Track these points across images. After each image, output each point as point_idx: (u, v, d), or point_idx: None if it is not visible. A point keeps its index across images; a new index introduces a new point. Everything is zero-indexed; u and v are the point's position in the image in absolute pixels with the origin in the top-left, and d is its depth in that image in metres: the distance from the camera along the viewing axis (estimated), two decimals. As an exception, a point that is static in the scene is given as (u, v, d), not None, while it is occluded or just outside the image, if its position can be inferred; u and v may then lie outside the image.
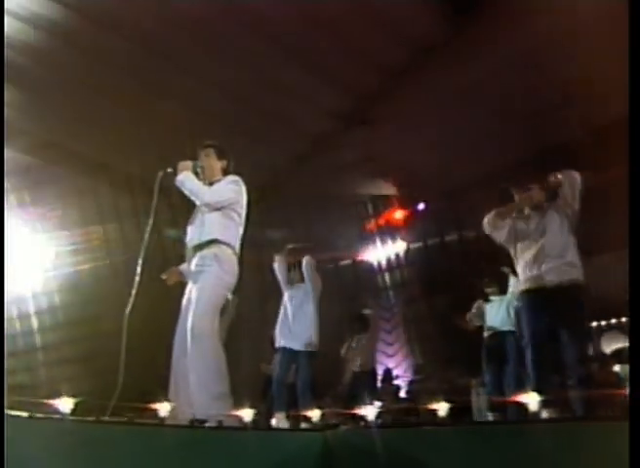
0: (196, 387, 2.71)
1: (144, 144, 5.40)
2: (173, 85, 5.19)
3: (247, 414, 2.10)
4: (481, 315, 4.72)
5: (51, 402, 1.97)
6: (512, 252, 3.12)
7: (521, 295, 3.05)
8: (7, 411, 1.97)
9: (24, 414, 2.09)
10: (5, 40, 4.65)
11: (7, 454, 1.72)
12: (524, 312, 2.97)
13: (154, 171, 3.01)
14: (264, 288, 5.66)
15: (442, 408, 1.84)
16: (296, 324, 4.40)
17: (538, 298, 2.91)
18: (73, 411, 2.03)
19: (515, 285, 3.17)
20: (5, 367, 3.23)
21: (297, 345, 4.36)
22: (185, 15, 4.59)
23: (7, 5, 4.38)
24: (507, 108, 5.51)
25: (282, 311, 4.48)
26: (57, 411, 1.97)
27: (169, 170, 2.96)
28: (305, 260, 4.48)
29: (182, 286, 3.04)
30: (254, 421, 2.13)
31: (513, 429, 2.07)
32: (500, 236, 3.16)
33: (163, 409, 2.09)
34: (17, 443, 1.82)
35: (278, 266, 4.55)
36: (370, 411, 2.03)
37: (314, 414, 2.18)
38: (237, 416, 2.39)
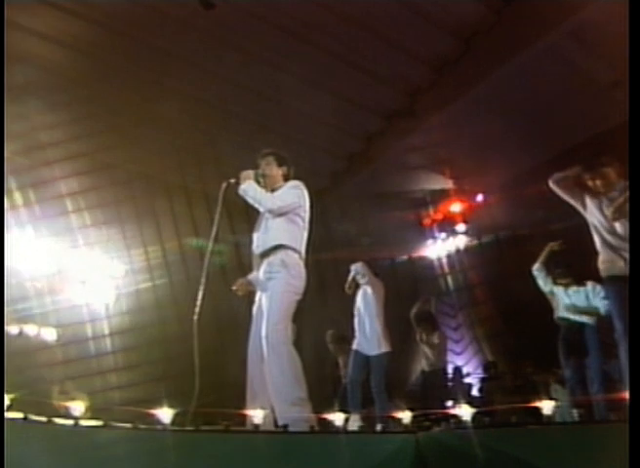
0: (275, 394, 2.75)
1: (203, 160, 5.55)
2: (228, 101, 5.31)
3: (338, 418, 2.10)
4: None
5: (152, 412, 2.06)
6: (598, 232, 2.94)
7: (613, 282, 2.85)
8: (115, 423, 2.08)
9: (126, 425, 2.20)
10: (46, 64, 4.92)
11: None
12: (618, 300, 2.76)
13: (215, 184, 3.08)
14: (325, 289, 5.69)
15: (545, 406, 1.76)
16: (366, 326, 4.42)
17: None
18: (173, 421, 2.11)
19: (606, 269, 2.94)
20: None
21: (368, 347, 4.37)
22: (225, 23, 4.72)
23: (44, 29, 4.65)
24: (559, 94, 5.34)
25: (355, 313, 4.52)
26: (158, 422, 2.06)
27: (232, 180, 3.02)
28: (354, 268, 4.48)
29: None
30: (339, 425, 2.12)
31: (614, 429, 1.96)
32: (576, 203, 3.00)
33: (256, 415, 2.13)
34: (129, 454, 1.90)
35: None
36: (464, 412, 1.98)
37: (405, 416, 2.15)
38: (318, 420, 2.41)
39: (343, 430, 2.16)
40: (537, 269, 4.45)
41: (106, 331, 6.26)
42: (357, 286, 4.59)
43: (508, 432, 2.20)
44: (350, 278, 4.59)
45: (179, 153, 5.78)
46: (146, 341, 5.82)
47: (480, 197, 6.80)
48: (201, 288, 2.88)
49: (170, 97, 5.19)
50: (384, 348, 4.42)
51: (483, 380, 6.47)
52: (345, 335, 4.94)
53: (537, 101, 5.54)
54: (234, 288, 3.13)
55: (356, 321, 4.58)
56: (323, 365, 5.84)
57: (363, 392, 4.44)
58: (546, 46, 4.92)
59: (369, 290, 4.50)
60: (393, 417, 2.15)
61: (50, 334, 6.29)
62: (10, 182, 5.50)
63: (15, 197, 5.63)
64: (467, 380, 6.59)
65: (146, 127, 5.48)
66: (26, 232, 5.90)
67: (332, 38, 5.08)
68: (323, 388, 5.53)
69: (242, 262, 3.38)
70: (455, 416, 2.21)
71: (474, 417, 2.04)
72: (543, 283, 4.41)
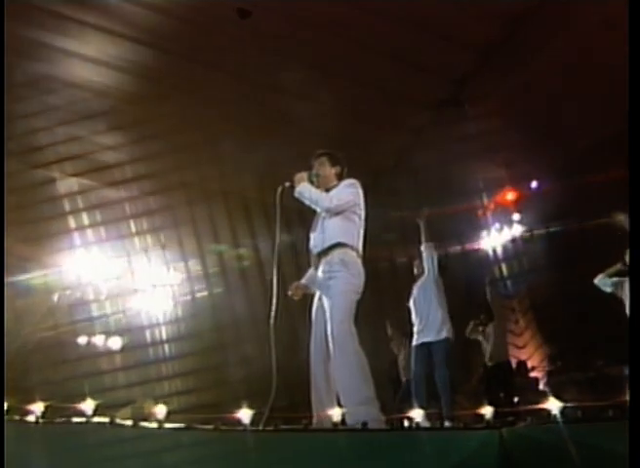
0: (343, 394, 2.74)
1: (259, 167, 5.64)
2: (290, 111, 5.37)
3: (417, 415, 2.06)
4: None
5: (233, 414, 2.09)
6: None
7: None
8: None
9: (207, 426, 2.25)
10: (102, 88, 5.13)
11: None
12: None
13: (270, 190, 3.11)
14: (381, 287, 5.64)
15: None
16: (427, 317, 4.37)
17: None
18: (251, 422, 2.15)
19: None
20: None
21: (429, 335, 4.35)
22: (263, 29, 4.77)
23: (97, 55, 4.85)
24: (612, 73, 5.07)
25: (412, 306, 4.48)
26: (239, 423, 2.09)
27: (286, 184, 3.05)
28: (425, 250, 4.43)
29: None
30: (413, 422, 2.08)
31: None
32: None
33: (334, 414, 2.12)
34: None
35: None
36: (553, 406, 1.89)
37: (487, 411, 2.08)
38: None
39: (424, 427, 2.12)
40: (600, 280, 4.30)
41: (165, 338, 6.48)
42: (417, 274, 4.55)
43: (599, 427, 2.09)
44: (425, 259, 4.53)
45: (219, 161, 5.90)
46: (209, 347, 5.97)
47: (534, 184, 6.56)
48: (274, 292, 2.90)
49: (231, 112, 5.32)
50: (446, 334, 4.36)
51: (549, 374, 6.23)
52: (406, 331, 4.90)
53: (588, 82, 5.30)
54: (289, 293, 3.14)
55: (415, 313, 4.53)
56: (381, 364, 5.80)
57: (427, 389, 4.38)
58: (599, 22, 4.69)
59: (432, 275, 4.48)
60: (475, 413, 2.09)
61: (115, 343, 6.58)
62: (75, 203, 5.82)
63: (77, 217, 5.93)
64: (533, 374, 6.36)
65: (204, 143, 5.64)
66: (91, 248, 6.22)
67: (371, 33, 5.04)
68: (383, 387, 5.49)
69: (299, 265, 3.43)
70: (539, 411, 2.12)
71: (562, 411, 1.95)
72: (607, 286, 4.27)
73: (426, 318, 4.42)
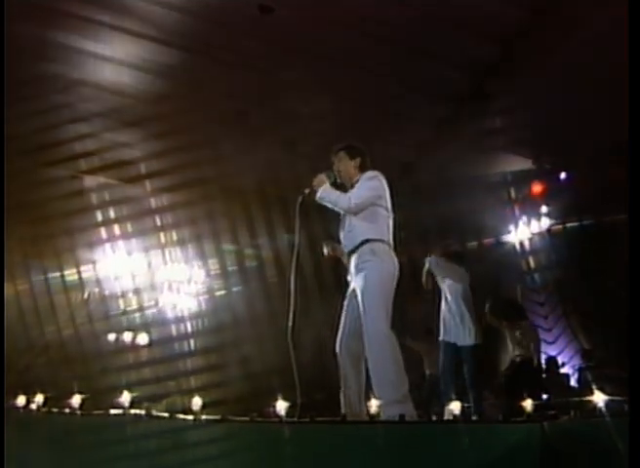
0: (378, 389, 2.68)
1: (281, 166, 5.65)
2: (308, 106, 5.35)
3: (455, 407, 2.03)
4: None
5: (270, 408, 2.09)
6: None
7: None
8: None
9: (243, 418, 2.25)
10: (121, 87, 5.18)
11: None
12: None
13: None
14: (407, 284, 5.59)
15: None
16: (455, 316, 4.32)
17: None
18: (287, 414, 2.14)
19: None
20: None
21: (459, 337, 4.28)
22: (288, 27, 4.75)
23: (127, 58, 4.90)
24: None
25: (442, 304, 4.43)
26: (276, 415, 2.09)
27: (306, 191, 3.02)
28: (428, 262, 4.38)
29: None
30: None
31: None
32: None
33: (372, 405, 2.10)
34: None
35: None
36: (598, 399, 1.84)
37: (527, 404, 2.04)
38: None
39: (464, 420, 2.08)
40: None
41: (191, 333, 6.56)
42: (434, 278, 4.50)
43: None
44: (425, 271, 4.50)
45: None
46: (233, 342, 6.01)
47: (563, 175, 6.41)
48: (292, 291, 2.88)
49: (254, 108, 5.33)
50: (476, 340, 4.31)
51: (581, 370, 6.09)
52: (432, 329, 4.84)
53: (616, 70, 5.13)
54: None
55: (444, 312, 4.48)
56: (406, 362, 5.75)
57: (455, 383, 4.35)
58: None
59: (449, 279, 4.41)
60: (519, 406, 2.04)
61: (143, 339, 6.68)
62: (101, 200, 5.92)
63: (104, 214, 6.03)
64: (563, 370, 6.23)
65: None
66: (117, 246, 6.32)
67: (392, 27, 4.98)
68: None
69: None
70: (580, 404, 2.07)
71: (607, 405, 1.89)
72: None
73: (458, 319, 4.37)
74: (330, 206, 2.96)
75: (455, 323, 4.37)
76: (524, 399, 2.15)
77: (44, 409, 2.65)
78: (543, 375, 5.72)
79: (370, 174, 3.01)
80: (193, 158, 5.69)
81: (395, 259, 2.92)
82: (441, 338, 4.45)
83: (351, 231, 2.96)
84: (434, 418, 3.15)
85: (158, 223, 6.31)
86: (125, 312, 6.49)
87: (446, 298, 4.48)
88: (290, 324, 2.85)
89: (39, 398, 2.59)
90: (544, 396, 5.10)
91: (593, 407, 2.03)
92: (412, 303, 5.26)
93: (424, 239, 5.63)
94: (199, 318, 6.66)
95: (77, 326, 5.83)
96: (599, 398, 1.89)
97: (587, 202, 6.19)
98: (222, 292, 6.86)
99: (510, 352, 5.54)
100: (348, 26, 4.90)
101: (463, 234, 5.63)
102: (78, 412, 2.40)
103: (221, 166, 6.01)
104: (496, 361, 5.70)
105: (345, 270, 3.02)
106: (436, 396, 4.65)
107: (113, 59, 5.06)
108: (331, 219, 3.19)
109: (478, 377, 4.29)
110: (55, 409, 2.52)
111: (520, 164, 6.28)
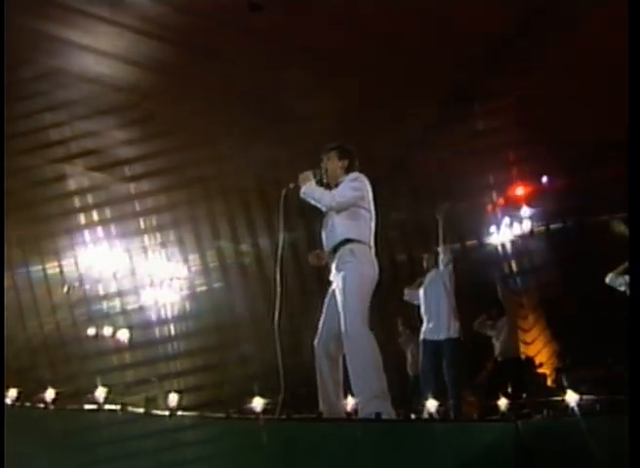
0: (356, 387, 2.69)
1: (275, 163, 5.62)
2: (299, 107, 5.32)
3: (431, 406, 2.04)
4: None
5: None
6: None
7: None
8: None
9: (219, 414, 2.24)
10: (117, 83, 5.11)
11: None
12: None
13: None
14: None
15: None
16: (437, 315, 4.35)
17: None
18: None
19: None
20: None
21: (438, 332, 4.31)
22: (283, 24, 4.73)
23: (110, 49, 4.83)
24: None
25: (421, 302, 4.45)
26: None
27: (290, 185, 3.02)
28: (443, 247, 4.41)
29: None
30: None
31: None
32: None
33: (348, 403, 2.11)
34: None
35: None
36: (570, 398, 1.87)
37: (502, 404, 2.06)
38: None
39: (439, 418, 2.10)
40: (611, 278, 4.26)
41: (173, 333, 6.49)
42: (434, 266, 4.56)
43: (613, 420, 2.07)
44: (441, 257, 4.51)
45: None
46: (218, 342, 5.97)
47: (545, 179, 6.50)
48: (277, 288, 2.89)
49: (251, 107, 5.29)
50: (455, 333, 4.34)
51: (558, 371, 6.18)
52: (415, 326, 4.87)
53: (602, 79, 5.21)
54: (309, 259, 3.09)
55: (424, 309, 4.51)
56: (389, 359, 5.78)
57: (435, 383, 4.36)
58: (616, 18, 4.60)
59: (443, 271, 4.48)
60: (493, 406, 2.06)
61: (123, 335, 6.61)
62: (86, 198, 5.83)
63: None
64: (541, 371, 6.33)
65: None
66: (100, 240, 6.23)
67: (378, 27, 4.98)
68: (390, 382, 5.47)
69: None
70: (552, 404, 2.10)
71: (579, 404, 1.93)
72: (619, 285, 4.23)
73: (436, 316, 4.38)
74: (313, 202, 2.97)
75: (435, 317, 4.38)
76: (500, 398, 2.17)
77: (17, 404, 2.61)
78: (523, 375, 5.80)
79: (353, 175, 3.03)
80: (190, 157, 5.63)
81: (375, 261, 2.94)
82: (421, 338, 4.46)
83: (333, 230, 2.97)
84: (413, 417, 3.17)
85: (148, 222, 6.23)
86: (107, 309, 6.42)
87: (429, 298, 4.50)
88: (276, 313, 2.85)
89: (12, 392, 2.54)
90: (522, 395, 5.16)
91: (566, 406, 2.06)
92: (396, 302, 5.31)
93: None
94: (187, 317, 6.61)
95: (56, 321, 5.74)
96: (572, 397, 1.92)
97: (569, 205, 6.29)
98: (206, 288, 6.80)
99: (491, 352, 5.61)
100: (336, 27, 4.90)
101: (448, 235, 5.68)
102: (51, 407, 2.37)
103: (220, 164, 5.96)
104: (476, 361, 5.76)
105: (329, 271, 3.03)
106: (417, 395, 4.68)
107: (107, 54, 4.99)
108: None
109: (457, 376, 4.30)
110: (27, 404, 2.48)
111: (503, 167, 6.35)
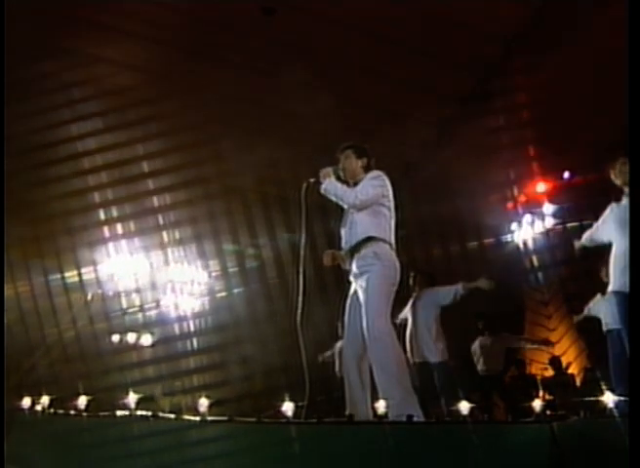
0: (382, 389, 2.69)
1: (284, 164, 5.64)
2: (313, 106, 5.34)
3: (464, 408, 2.02)
4: None
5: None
6: None
7: None
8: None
9: (249, 419, 2.24)
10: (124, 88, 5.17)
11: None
12: None
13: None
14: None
15: None
16: (421, 336, 4.32)
17: None
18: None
19: None
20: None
21: (429, 358, 4.31)
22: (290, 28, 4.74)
23: (113, 55, 4.88)
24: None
25: (408, 323, 4.40)
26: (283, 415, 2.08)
27: (311, 180, 3.00)
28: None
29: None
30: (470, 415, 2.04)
31: None
32: None
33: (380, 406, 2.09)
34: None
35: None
36: (608, 399, 1.83)
37: (536, 405, 2.02)
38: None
39: (472, 420, 2.07)
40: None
41: (194, 333, 6.55)
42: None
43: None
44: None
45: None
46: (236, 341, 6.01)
47: (567, 175, 6.39)
48: (300, 289, 2.88)
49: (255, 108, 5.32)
50: (441, 357, 4.31)
51: (587, 371, 6.04)
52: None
53: (618, 75, 5.12)
54: (324, 260, 3.08)
55: (414, 326, 4.38)
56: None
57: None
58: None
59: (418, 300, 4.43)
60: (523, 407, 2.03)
61: (146, 340, 6.68)
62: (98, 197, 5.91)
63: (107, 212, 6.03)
64: (568, 371, 6.19)
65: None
66: (120, 246, 6.31)
67: (394, 27, 4.96)
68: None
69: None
70: (588, 404, 2.06)
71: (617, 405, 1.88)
72: None
73: (422, 337, 4.31)
74: (334, 199, 2.95)
75: (423, 343, 4.32)
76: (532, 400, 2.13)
77: (49, 411, 2.64)
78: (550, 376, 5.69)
79: (374, 173, 3.02)
80: (195, 157, 5.68)
81: (397, 263, 2.92)
82: (413, 360, 4.32)
83: (354, 228, 2.95)
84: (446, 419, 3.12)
85: (160, 222, 6.29)
86: (128, 313, 6.49)
87: (414, 320, 4.40)
88: (299, 313, 2.84)
89: (44, 399, 2.58)
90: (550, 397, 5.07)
91: (603, 407, 2.01)
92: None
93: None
94: (202, 317, 6.66)
95: (81, 327, 5.82)
96: (609, 398, 1.88)
97: (590, 201, 6.15)
98: (224, 293, 6.84)
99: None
100: (350, 27, 4.90)
101: (464, 234, 5.61)
102: (84, 414, 2.40)
103: (223, 165, 5.99)
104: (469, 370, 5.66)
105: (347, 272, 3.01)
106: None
107: (113, 61, 5.06)
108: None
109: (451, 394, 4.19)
110: (60, 411, 2.51)
111: (524, 163, 6.27)
